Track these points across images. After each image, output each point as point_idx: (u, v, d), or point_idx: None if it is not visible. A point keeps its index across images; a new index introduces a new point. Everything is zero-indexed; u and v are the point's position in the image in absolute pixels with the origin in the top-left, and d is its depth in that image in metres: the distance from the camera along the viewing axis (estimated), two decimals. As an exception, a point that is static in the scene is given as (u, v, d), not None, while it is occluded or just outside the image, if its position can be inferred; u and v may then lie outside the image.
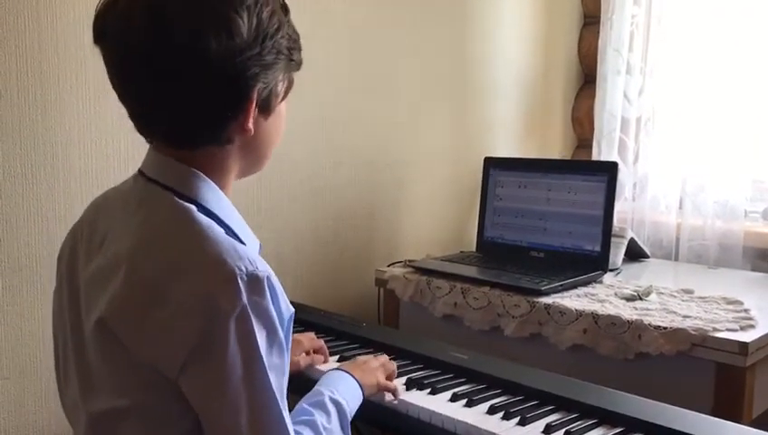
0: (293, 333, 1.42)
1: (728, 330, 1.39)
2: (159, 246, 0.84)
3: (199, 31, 0.81)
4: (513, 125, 2.47)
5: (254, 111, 0.88)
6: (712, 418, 1.13)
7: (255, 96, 0.88)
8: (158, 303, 0.81)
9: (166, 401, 0.84)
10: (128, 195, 0.94)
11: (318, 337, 1.46)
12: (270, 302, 0.84)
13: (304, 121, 1.86)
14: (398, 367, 1.33)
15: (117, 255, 0.86)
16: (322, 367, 1.37)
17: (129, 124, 1.40)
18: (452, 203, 2.29)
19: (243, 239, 0.91)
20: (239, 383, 0.81)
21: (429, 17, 2.14)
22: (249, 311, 0.81)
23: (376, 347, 1.50)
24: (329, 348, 1.46)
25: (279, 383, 0.85)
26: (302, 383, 1.18)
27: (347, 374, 1.16)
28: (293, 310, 0.91)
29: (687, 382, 1.39)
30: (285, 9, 0.92)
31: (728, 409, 1.33)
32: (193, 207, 0.87)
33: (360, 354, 1.43)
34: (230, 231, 0.90)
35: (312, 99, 1.87)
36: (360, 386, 1.16)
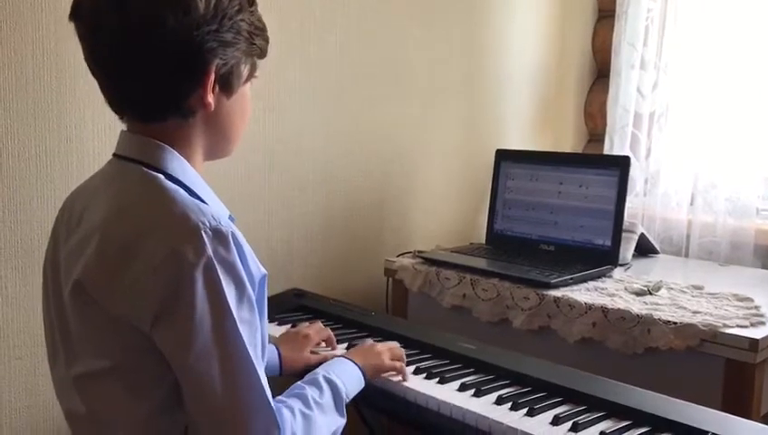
0: (303, 327, 1.43)
1: (738, 326, 1.39)
2: (129, 211, 0.89)
3: (156, 7, 0.87)
4: (526, 118, 2.46)
5: (213, 85, 0.93)
6: (721, 413, 1.13)
7: (213, 70, 0.92)
8: (128, 260, 0.85)
9: (145, 360, 0.88)
10: (102, 176, 1.00)
11: (326, 325, 1.46)
12: (236, 256, 0.88)
13: (316, 112, 1.86)
14: (407, 356, 1.34)
15: (92, 226, 0.91)
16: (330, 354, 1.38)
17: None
18: (462, 195, 2.28)
19: (208, 203, 0.95)
20: (209, 334, 0.85)
21: (443, 9, 2.14)
22: (215, 262, 0.85)
23: (384, 336, 1.50)
24: (337, 336, 1.46)
25: (251, 338, 0.88)
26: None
27: (347, 360, 1.19)
28: (265, 272, 0.94)
29: (696, 378, 1.39)
30: (250, 0, 0.97)
31: (737, 405, 1.32)
32: (160, 176, 0.92)
33: (368, 342, 1.44)
34: (196, 196, 0.94)
35: (324, 90, 1.87)
36: (362, 370, 1.17)
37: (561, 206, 1.95)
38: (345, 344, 1.44)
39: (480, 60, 2.28)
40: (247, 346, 0.87)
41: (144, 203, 0.90)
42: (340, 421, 1.05)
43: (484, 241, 2.11)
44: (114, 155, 0.99)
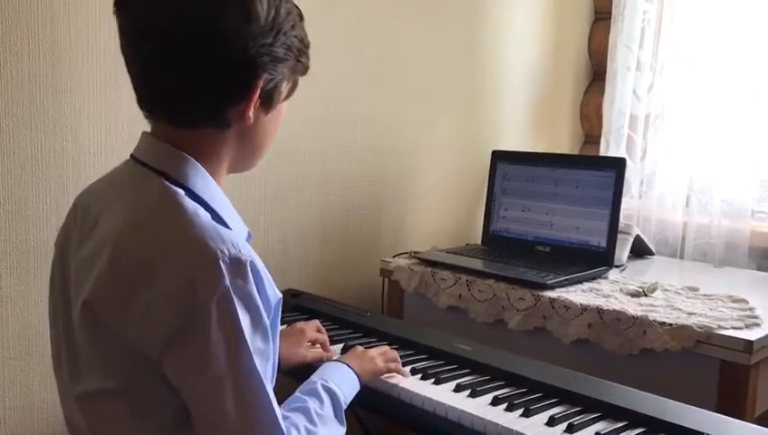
0: (298, 321, 1.44)
1: (733, 328, 1.39)
2: (144, 228, 0.85)
3: (218, 12, 0.83)
4: (522, 119, 2.47)
5: (256, 100, 0.90)
6: (716, 414, 1.13)
7: (261, 85, 0.89)
8: (141, 285, 0.82)
9: (151, 384, 0.85)
10: (119, 178, 0.96)
11: (323, 325, 1.46)
12: (253, 286, 0.84)
13: (313, 112, 1.86)
14: (402, 357, 1.34)
15: (104, 237, 0.87)
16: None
17: (139, 109, 1.40)
18: (459, 196, 2.29)
19: (229, 225, 0.92)
20: (223, 366, 0.82)
21: (440, 10, 2.14)
22: (231, 293, 0.81)
23: (380, 337, 1.50)
24: (333, 336, 1.46)
25: (263, 366, 0.86)
26: (310, 372, 1.18)
27: (342, 364, 1.18)
28: (281, 295, 0.91)
29: (691, 379, 1.39)
30: (300, 15, 0.95)
31: (732, 406, 1.33)
32: (181, 191, 0.88)
33: (363, 344, 1.43)
34: (217, 216, 0.91)
35: (322, 89, 1.87)
36: (357, 374, 1.17)
37: (556, 207, 1.95)
38: (341, 345, 1.44)
39: (477, 61, 2.28)
40: (262, 377, 0.84)
41: (161, 222, 0.86)
42: (341, 430, 1.04)
43: (480, 242, 2.11)
44: (133, 157, 0.95)
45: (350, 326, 1.57)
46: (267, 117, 0.95)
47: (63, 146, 1.41)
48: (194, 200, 0.88)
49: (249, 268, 0.84)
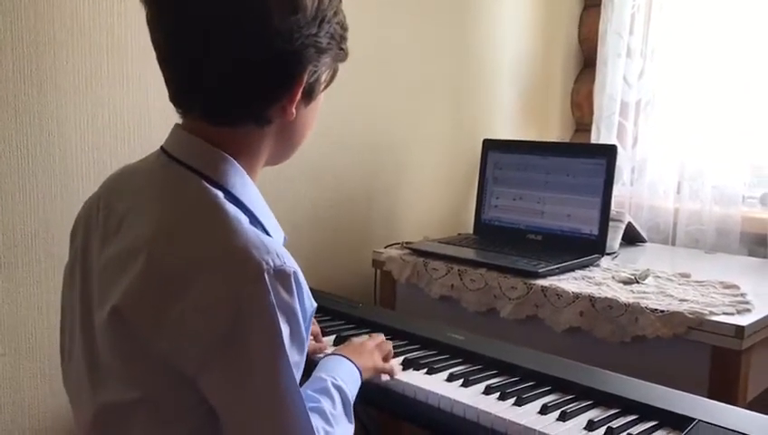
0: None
1: (724, 314, 1.39)
2: (183, 235, 0.80)
3: (264, 3, 0.79)
4: (513, 108, 2.46)
5: (299, 94, 0.86)
6: (707, 400, 1.13)
7: (305, 79, 0.85)
8: (179, 296, 0.77)
9: (177, 395, 0.82)
10: (149, 175, 0.90)
11: (314, 317, 1.45)
12: (297, 299, 0.81)
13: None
14: (395, 347, 1.34)
15: (136, 241, 0.82)
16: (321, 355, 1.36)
17: (126, 100, 1.39)
18: (450, 185, 2.28)
19: (268, 230, 0.88)
20: (264, 382, 0.79)
21: (430, 0, 2.13)
22: (276, 308, 0.77)
23: (372, 328, 1.50)
24: (325, 328, 1.46)
25: (298, 378, 0.83)
26: (306, 365, 1.18)
27: (345, 359, 1.16)
28: (316, 305, 0.88)
29: (683, 365, 1.40)
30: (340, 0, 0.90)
31: (724, 392, 1.33)
32: (220, 194, 0.83)
33: (355, 335, 1.43)
34: (256, 220, 0.87)
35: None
36: (359, 370, 1.16)
37: (548, 195, 1.95)
38: (333, 337, 1.44)
39: (467, 50, 2.27)
40: (298, 389, 0.81)
41: (201, 228, 0.80)
42: (351, 428, 1.02)
43: (471, 231, 2.11)
44: (165, 152, 0.89)
45: (342, 317, 1.57)
46: (307, 109, 0.91)
47: (49, 140, 1.40)
48: (233, 203, 0.84)
49: (293, 281, 0.80)
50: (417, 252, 1.88)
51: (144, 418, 0.83)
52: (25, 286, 1.39)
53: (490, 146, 2.09)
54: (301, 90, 0.86)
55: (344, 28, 0.91)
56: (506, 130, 2.43)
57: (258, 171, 0.93)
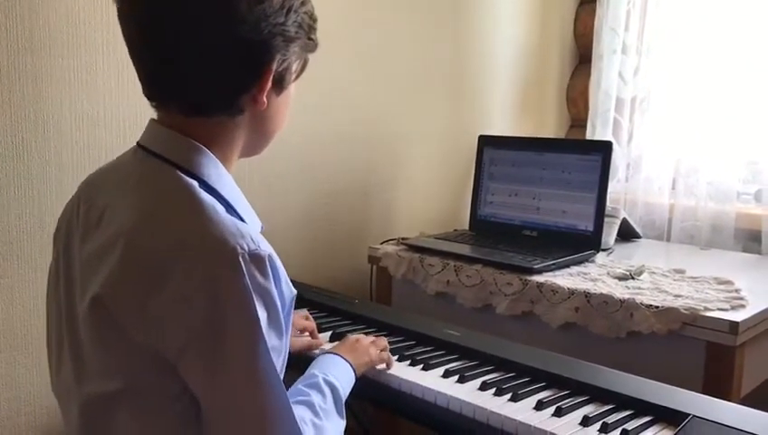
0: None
1: (719, 309, 1.40)
2: (160, 223, 0.82)
3: None
4: (508, 104, 2.46)
5: (269, 83, 0.88)
6: (702, 395, 1.14)
7: (274, 67, 0.87)
8: (158, 283, 0.79)
9: (160, 384, 0.82)
10: (126, 169, 0.92)
11: (310, 314, 1.46)
12: (272, 282, 0.82)
13: (298, 98, 1.84)
14: (391, 343, 1.34)
15: (115, 232, 0.84)
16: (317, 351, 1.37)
17: (122, 95, 1.38)
18: (446, 181, 2.28)
19: (244, 218, 0.90)
20: (241, 363, 0.80)
21: (425, -6, 2.13)
22: (251, 291, 0.79)
23: (368, 324, 1.50)
24: (321, 324, 1.46)
25: (278, 365, 0.84)
26: (301, 362, 1.18)
27: (339, 357, 1.17)
28: (295, 292, 0.89)
29: (678, 361, 1.40)
30: None
31: (718, 387, 1.34)
32: (195, 184, 0.85)
33: (351, 331, 1.43)
34: (231, 209, 0.89)
35: (307, 76, 1.85)
36: (353, 368, 1.16)
37: (543, 191, 1.95)
38: (329, 333, 1.44)
39: (463, 46, 2.27)
40: (277, 374, 0.82)
41: (177, 216, 0.82)
42: (342, 424, 1.03)
43: (467, 227, 2.11)
44: (140, 146, 0.91)
45: (338, 314, 1.57)
46: (278, 99, 0.93)
47: (45, 136, 1.39)
48: (208, 192, 0.86)
49: (268, 263, 0.82)
50: (414, 248, 1.88)
51: (128, 408, 0.84)
52: (21, 283, 1.39)
53: (486, 142, 2.09)
54: (270, 78, 0.88)
55: (313, 18, 0.92)
56: (502, 127, 2.43)
57: (233, 162, 0.95)
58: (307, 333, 1.39)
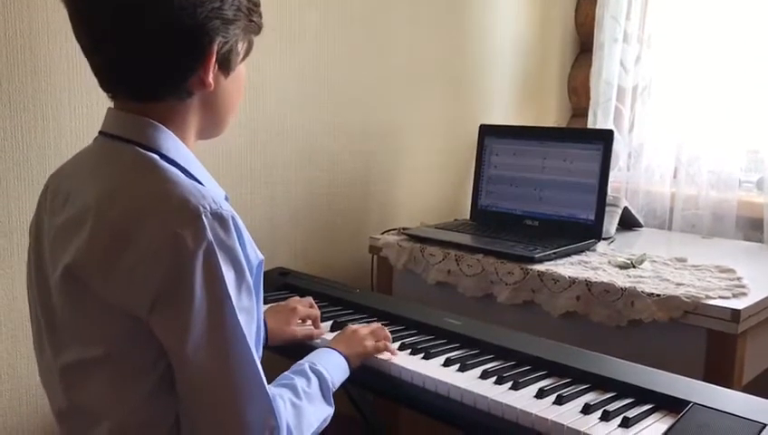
0: (291, 298, 1.43)
1: (721, 297, 1.40)
2: (125, 192, 0.86)
3: None
4: (509, 93, 2.45)
5: (214, 65, 0.91)
6: (703, 383, 1.14)
7: (216, 50, 0.90)
8: (125, 245, 0.82)
9: (137, 349, 0.85)
10: (89, 156, 0.96)
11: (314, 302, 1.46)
12: (236, 241, 0.85)
13: (300, 89, 1.84)
14: (392, 333, 1.33)
15: (83, 206, 0.87)
16: (318, 340, 1.37)
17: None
18: (447, 171, 2.28)
19: (205, 185, 0.92)
20: (208, 320, 0.83)
21: (425, -18, 2.11)
22: (215, 247, 0.82)
23: (369, 313, 1.50)
24: (323, 314, 1.45)
25: (249, 325, 0.86)
26: (299, 348, 1.18)
27: (332, 350, 1.18)
28: (263, 257, 0.93)
29: (680, 349, 1.40)
30: None
31: (720, 375, 1.34)
32: (155, 156, 0.89)
33: (353, 320, 1.43)
34: (192, 178, 0.92)
35: (308, 66, 1.85)
36: (347, 358, 1.17)
37: (545, 180, 1.95)
38: (330, 323, 1.44)
39: (463, 35, 2.26)
40: (246, 334, 0.85)
41: (141, 185, 0.86)
42: (329, 410, 1.04)
43: (468, 217, 2.11)
44: (101, 133, 0.95)
45: (339, 303, 1.57)
46: (227, 80, 0.96)
47: (44, 126, 1.39)
48: (168, 163, 0.89)
49: (231, 223, 0.85)
50: (414, 238, 1.87)
51: (103, 376, 0.87)
52: (21, 273, 1.38)
53: (487, 131, 2.09)
54: (213, 60, 0.90)
55: (252, 2, 0.95)
56: (503, 116, 2.42)
57: (190, 142, 0.97)
58: (309, 322, 1.39)
